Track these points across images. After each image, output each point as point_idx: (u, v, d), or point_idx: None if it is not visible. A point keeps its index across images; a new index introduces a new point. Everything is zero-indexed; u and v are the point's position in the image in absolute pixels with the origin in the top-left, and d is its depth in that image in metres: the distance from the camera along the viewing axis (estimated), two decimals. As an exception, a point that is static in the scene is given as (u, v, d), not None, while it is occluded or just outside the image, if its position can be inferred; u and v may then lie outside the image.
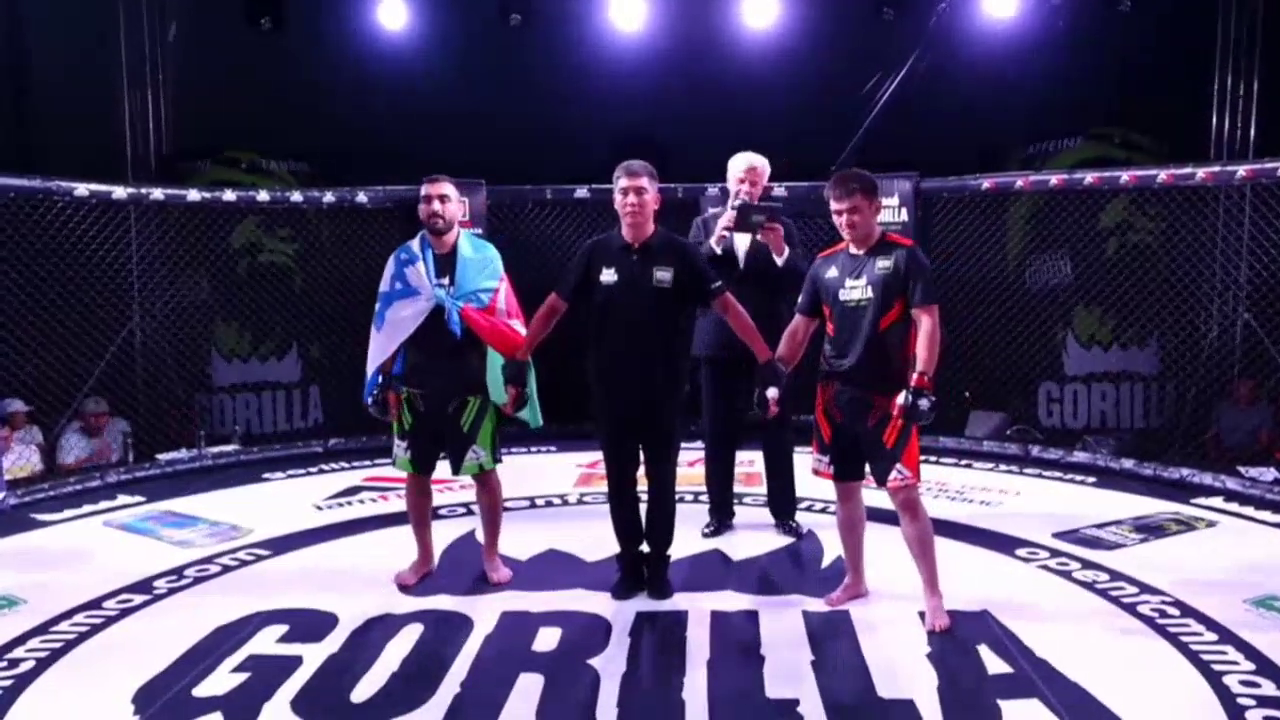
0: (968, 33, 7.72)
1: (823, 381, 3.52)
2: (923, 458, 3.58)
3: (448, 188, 3.84)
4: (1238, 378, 6.24)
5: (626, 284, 3.59)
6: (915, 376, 3.24)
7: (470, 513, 4.82)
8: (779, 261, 4.32)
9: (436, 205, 3.79)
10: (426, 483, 3.99)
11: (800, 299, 3.62)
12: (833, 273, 3.49)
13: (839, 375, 3.45)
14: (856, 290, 3.40)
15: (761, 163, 4.51)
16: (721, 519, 4.64)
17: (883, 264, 3.38)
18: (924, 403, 3.20)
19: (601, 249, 3.68)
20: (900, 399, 3.23)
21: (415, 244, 3.86)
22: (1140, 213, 6.65)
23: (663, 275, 3.57)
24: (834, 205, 3.41)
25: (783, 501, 4.65)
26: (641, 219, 3.60)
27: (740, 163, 4.50)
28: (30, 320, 5.76)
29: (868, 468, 3.50)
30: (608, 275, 3.60)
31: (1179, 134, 7.27)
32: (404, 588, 3.89)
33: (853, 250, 3.47)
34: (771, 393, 3.48)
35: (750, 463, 5.17)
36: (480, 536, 4.14)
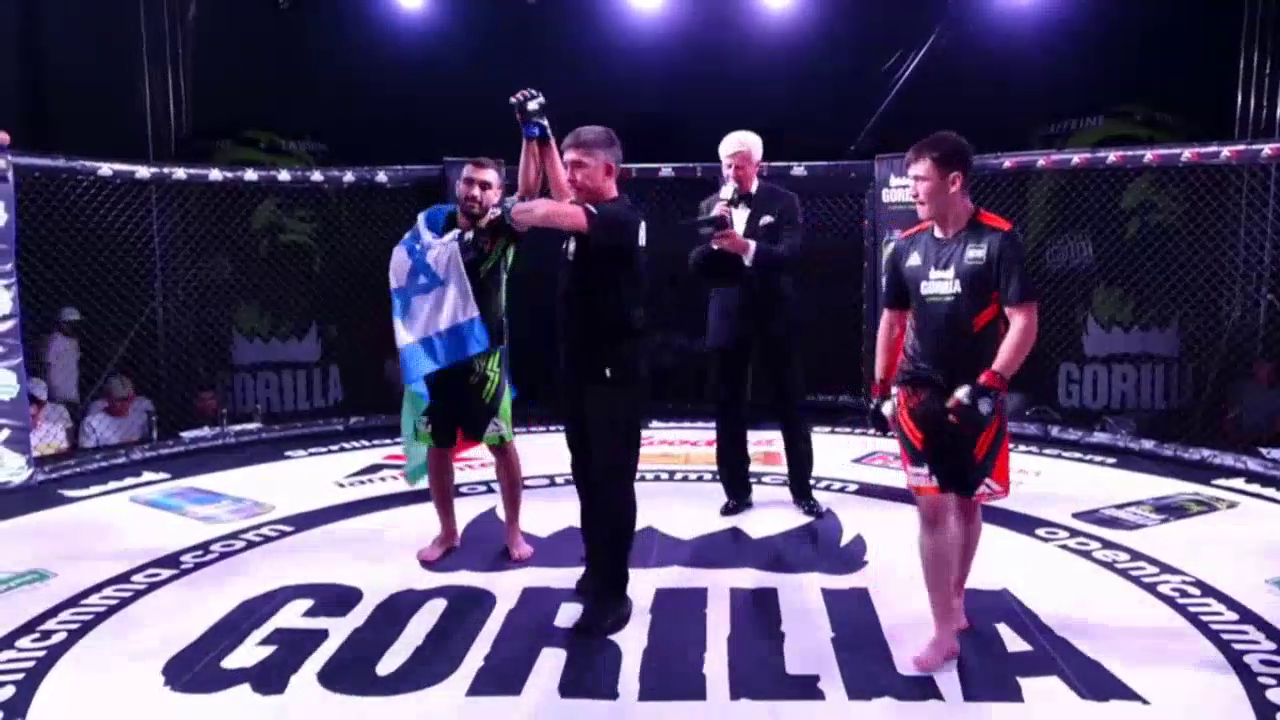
0: (987, 10, 7.66)
1: (906, 386, 3.02)
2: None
3: (492, 175, 3.78)
4: (1259, 359, 6.20)
5: (562, 253, 3.35)
6: (985, 373, 2.78)
7: (491, 490, 4.86)
8: (746, 261, 4.26)
9: (477, 191, 3.74)
10: (448, 459, 4.02)
11: (884, 291, 3.20)
12: (914, 260, 3.00)
13: (926, 382, 2.95)
14: (943, 283, 2.90)
15: (748, 146, 4.41)
16: (739, 499, 4.67)
17: (973, 253, 2.86)
18: (984, 404, 2.75)
19: None
20: (960, 394, 2.77)
21: (423, 227, 3.83)
22: (1162, 193, 6.60)
23: (571, 245, 3.28)
24: (909, 172, 2.97)
25: (801, 481, 4.67)
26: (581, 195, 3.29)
27: (728, 147, 4.42)
28: (55, 299, 5.82)
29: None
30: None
31: (1202, 112, 7.19)
32: (426, 563, 3.93)
33: (937, 233, 2.97)
34: (888, 408, 3.06)
35: (770, 442, 5.19)
36: (501, 514, 4.18)
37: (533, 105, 3.50)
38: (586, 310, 3.26)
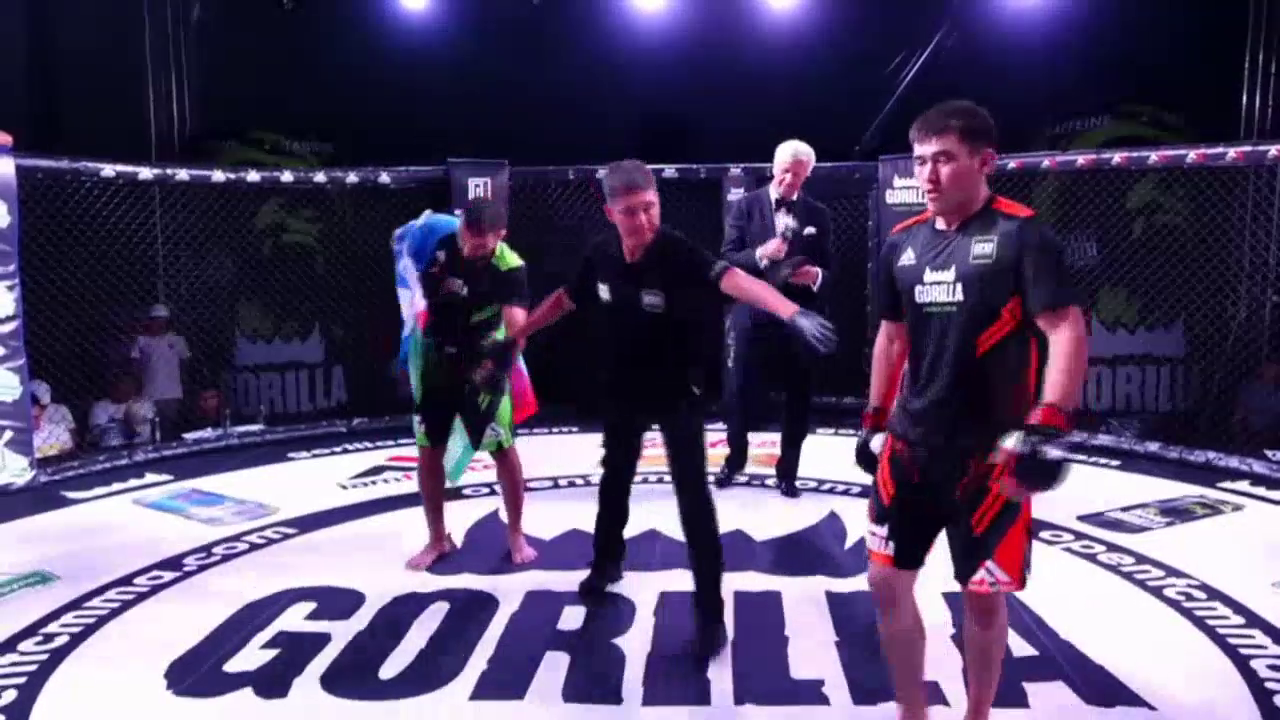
0: (993, 9, 7.64)
1: (893, 432, 2.40)
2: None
3: (491, 240, 3.67)
4: (1265, 361, 6.18)
5: (621, 300, 3.25)
6: (1039, 410, 2.06)
7: (493, 493, 4.85)
8: (814, 288, 4.57)
9: (468, 250, 3.66)
10: (439, 460, 3.98)
11: (879, 297, 2.56)
12: (908, 258, 2.32)
13: (915, 418, 2.31)
14: (940, 288, 2.22)
15: (807, 155, 4.68)
16: (733, 470, 4.99)
17: (981, 247, 2.18)
18: (1052, 451, 1.99)
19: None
20: (1010, 443, 2.04)
21: (409, 246, 3.87)
22: (1168, 193, 6.58)
23: (652, 300, 3.16)
24: (916, 149, 2.24)
25: (790, 468, 4.96)
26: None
27: (785, 155, 4.66)
28: (59, 300, 5.83)
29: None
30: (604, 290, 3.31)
31: (1208, 112, 7.17)
32: (417, 570, 3.89)
33: (939, 224, 2.28)
34: (877, 444, 2.44)
35: (773, 444, 5.19)
36: (504, 516, 4.17)
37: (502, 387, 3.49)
38: (681, 348, 3.24)
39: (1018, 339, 2.19)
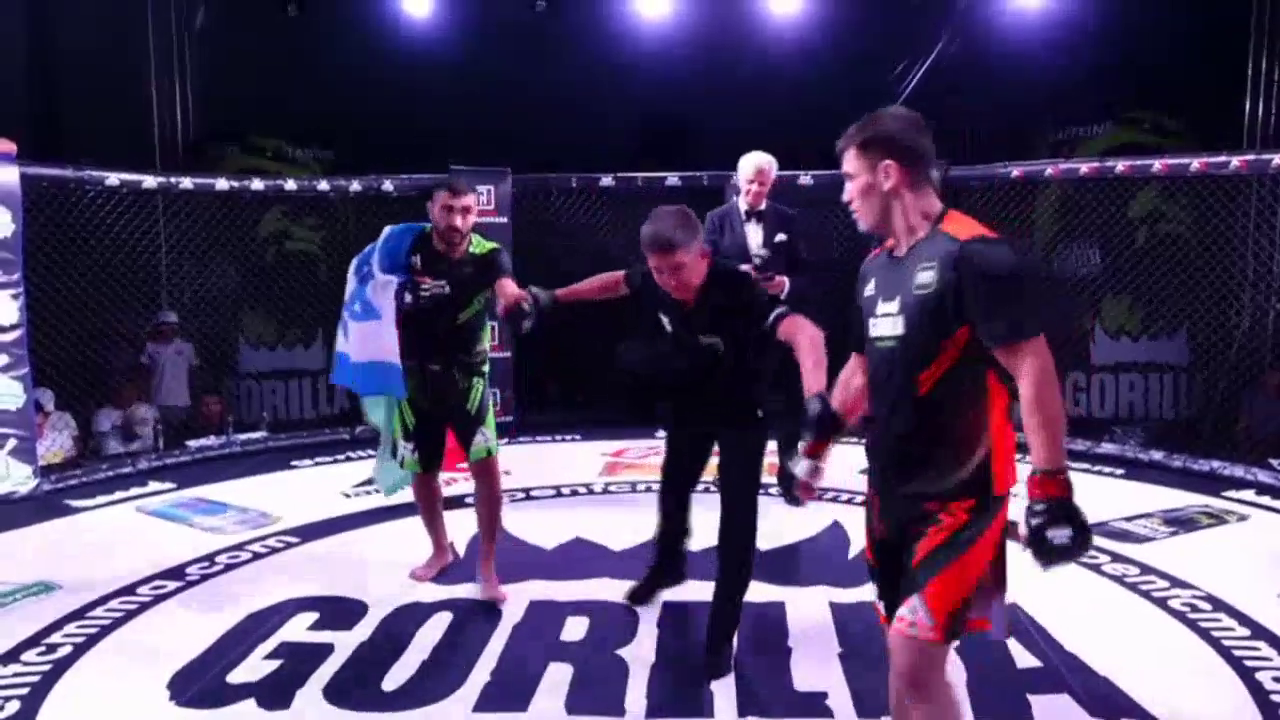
0: (994, 13, 7.66)
1: (869, 473, 2.21)
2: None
3: (471, 199, 3.63)
4: (1269, 369, 6.18)
5: (678, 337, 3.19)
6: (1032, 482, 1.89)
7: (496, 501, 4.84)
8: (782, 296, 4.54)
9: (458, 221, 3.57)
10: (434, 479, 3.94)
11: (851, 331, 2.28)
12: (870, 289, 2.14)
13: (874, 458, 2.16)
14: (888, 320, 2.04)
15: (769, 163, 4.78)
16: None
17: (924, 274, 1.96)
18: (1058, 534, 1.83)
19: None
20: (1022, 527, 1.89)
21: (378, 257, 3.67)
22: (1171, 201, 6.58)
23: (709, 341, 3.11)
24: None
25: (791, 475, 4.86)
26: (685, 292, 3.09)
27: (748, 166, 4.77)
28: (63, 307, 5.84)
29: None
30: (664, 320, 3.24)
31: (1211, 118, 7.17)
32: (420, 582, 3.87)
33: (895, 250, 2.10)
34: (801, 469, 2.34)
35: (771, 451, 5.19)
36: (505, 524, 4.12)
37: (529, 324, 3.31)
38: (741, 373, 3.18)
39: (969, 373, 1.96)
